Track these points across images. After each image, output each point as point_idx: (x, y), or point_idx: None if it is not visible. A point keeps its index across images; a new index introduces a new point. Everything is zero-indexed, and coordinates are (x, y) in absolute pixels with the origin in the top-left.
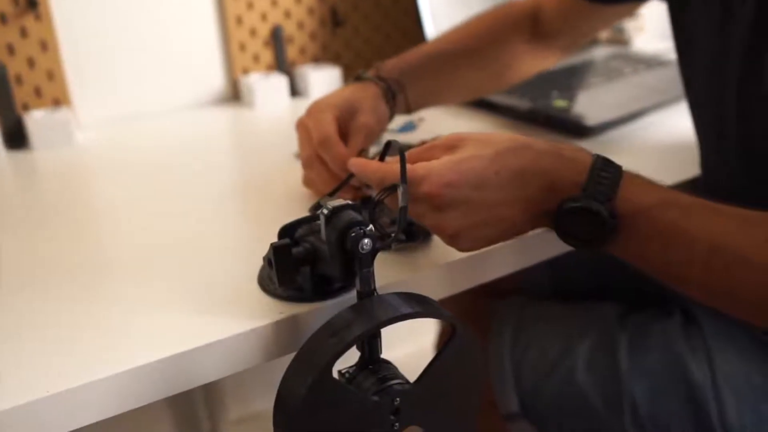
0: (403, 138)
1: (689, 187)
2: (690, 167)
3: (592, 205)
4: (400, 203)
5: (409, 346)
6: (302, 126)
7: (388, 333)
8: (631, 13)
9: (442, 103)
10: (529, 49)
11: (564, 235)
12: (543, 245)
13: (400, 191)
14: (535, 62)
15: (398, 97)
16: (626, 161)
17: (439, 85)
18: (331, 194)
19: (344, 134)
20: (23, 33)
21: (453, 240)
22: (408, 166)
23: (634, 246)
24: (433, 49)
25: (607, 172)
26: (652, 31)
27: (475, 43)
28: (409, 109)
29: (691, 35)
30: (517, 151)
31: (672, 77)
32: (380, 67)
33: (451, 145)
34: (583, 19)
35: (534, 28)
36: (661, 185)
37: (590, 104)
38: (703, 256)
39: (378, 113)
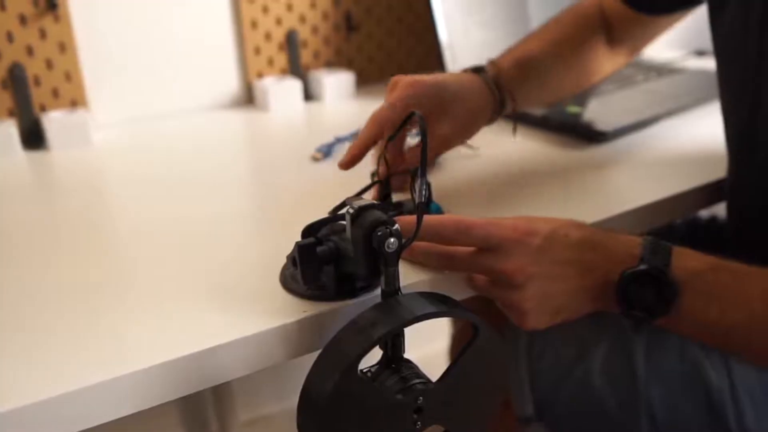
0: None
1: (709, 191)
2: (702, 174)
3: (654, 269)
4: (417, 199)
5: (426, 346)
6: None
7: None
8: (680, 20)
9: (536, 106)
10: (606, 50)
11: (627, 306)
12: None
13: (417, 185)
14: (610, 63)
15: (507, 105)
16: (638, 167)
17: (540, 88)
18: (358, 195)
19: (430, 116)
20: (42, 34)
21: (520, 294)
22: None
23: (694, 312)
24: (538, 49)
25: (658, 245)
26: (663, 39)
27: (567, 46)
28: (511, 113)
29: (728, 36)
30: (578, 225)
31: (683, 85)
32: (499, 68)
33: (512, 217)
34: (638, 25)
35: (604, 30)
36: (708, 255)
37: (603, 111)
38: (762, 313)
39: (467, 128)
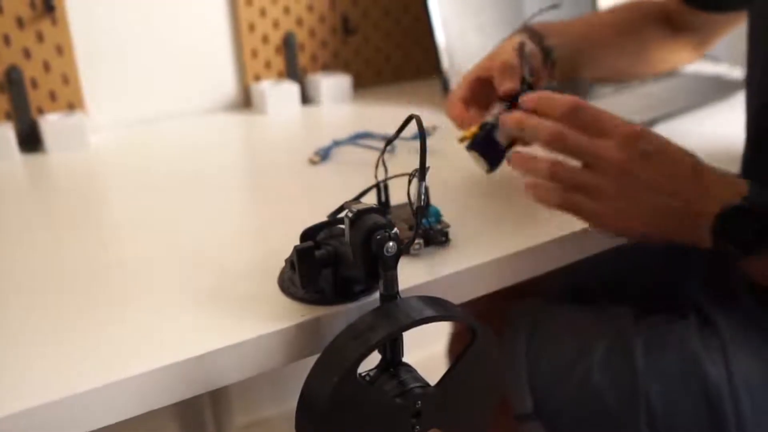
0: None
1: None
2: None
3: (758, 206)
4: (416, 203)
5: (423, 349)
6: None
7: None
8: (740, 20)
9: (589, 74)
10: (668, 40)
11: (722, 239)
12: (560, 251)
13: (413, 188)
14: (672, 55)
15: (549, 36)
16: None
17: (591, 56)
18: (356, 198)
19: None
20: (39, 37)
21: (605, 181)
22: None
23: None
24: (586, 21)
25: (765, 189)
26: None
27: (630, 27)
28: (563, 73)
29: (755, 30)
30: (689, 151)
31: (680, 88)
32: (543, 34)
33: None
34: (697, 20)
35: (668, 23)
36: None
37: None
38: None
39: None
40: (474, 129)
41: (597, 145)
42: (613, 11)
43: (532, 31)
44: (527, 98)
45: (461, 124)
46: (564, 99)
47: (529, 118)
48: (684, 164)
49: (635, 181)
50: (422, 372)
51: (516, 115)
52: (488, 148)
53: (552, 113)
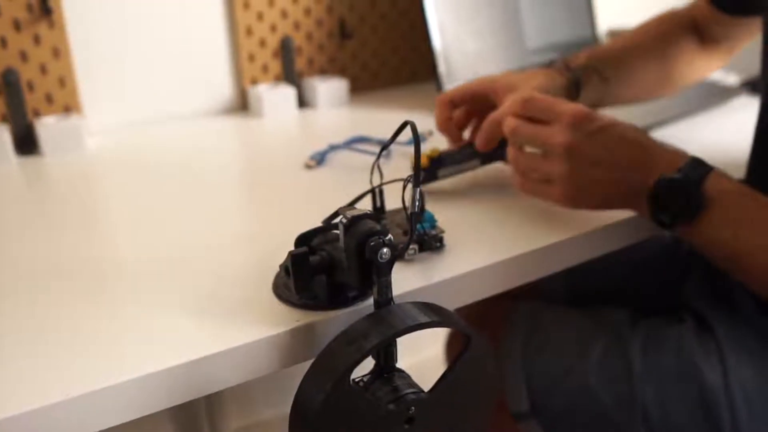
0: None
1: None
2: None
3: (687, 179)
4: (410, 209)
5: (418, 355)
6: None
7: (398, 342)
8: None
9: (620, 101)
10: (697, 49)
11: (656, 209)
12: (556, 256)
13: (408, 193)
14: (703, 64)
15: (587, 84)
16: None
17: (620, 78)
18: (351, 204)
19: (498, 97)
20: (36, 40)
21: (559, 165)
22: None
23: (711, 227)
24: (618, 45)
25: (700, 163)
26: None
27: (655, 41)
28: (600, 104)
29: None
30: (634, 127)
31: (677, 94)
32: (566, 59)
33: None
34: (725, 25)
35: (697, 33)
36: (743, 184)
37: None
38: None
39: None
40: (428, 155)
41: (545, 131)
42: (644, 29)
43: (560, 63)
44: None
45: (441, 126)
46: (516, 95)
47: (490, 117)
48: (628, 139)
49: (582, 159)
50: (419, 376)
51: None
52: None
53: (509, 110)
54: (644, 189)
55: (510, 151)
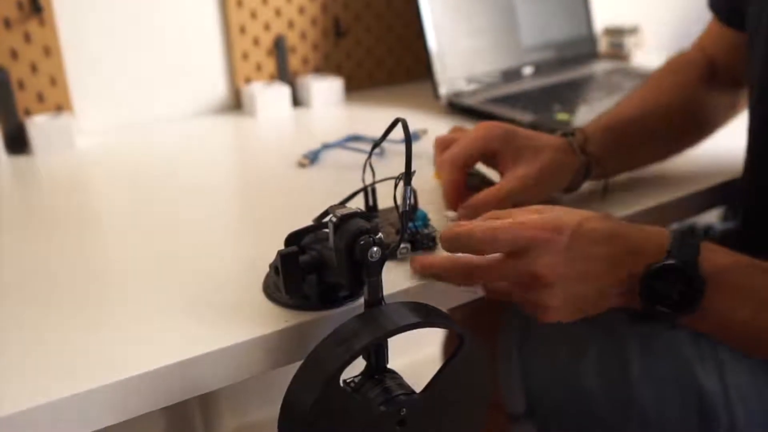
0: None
1: (697, 199)
2: (690, 182)
3: (681, 263)
4: (402, 207)
5: (413, 355)
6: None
7: (392, 340)
8: None
9: (638, 167)
10: (717, 96)
11: (651, 300)
12: None
13: (400, 191)
14: (729, 107)
15: (594, 171)
16: (625, 176)
17: (636, 150)
18: (343, 203)
19: (501, 165)
20: (27, 38)
21: (548, 294)
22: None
23: (722, 310)
24: (629, 114)
25: (686, 238)
26: (650, 46)
27: (668, 101)
28: (605, 182)
29: (754, 30)
30: (603, 217)
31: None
32: (586, 135)
33: (538, 209)
34: (743, 52)
35: (714, 75)
36: (738, 253)
37: (591, 118)
38: None
39: (547, 175)
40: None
41: (518, 265)
42: (656, 80)
43: (575, 140)
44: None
45: (452, 193)
46: (476, 233)
47: (438, 264)
48: (601, 236)
49: (566, 284)
50: (413, 377)
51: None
52: None
53: (469, 250)
54: (634, 282)
55: (497, 284)
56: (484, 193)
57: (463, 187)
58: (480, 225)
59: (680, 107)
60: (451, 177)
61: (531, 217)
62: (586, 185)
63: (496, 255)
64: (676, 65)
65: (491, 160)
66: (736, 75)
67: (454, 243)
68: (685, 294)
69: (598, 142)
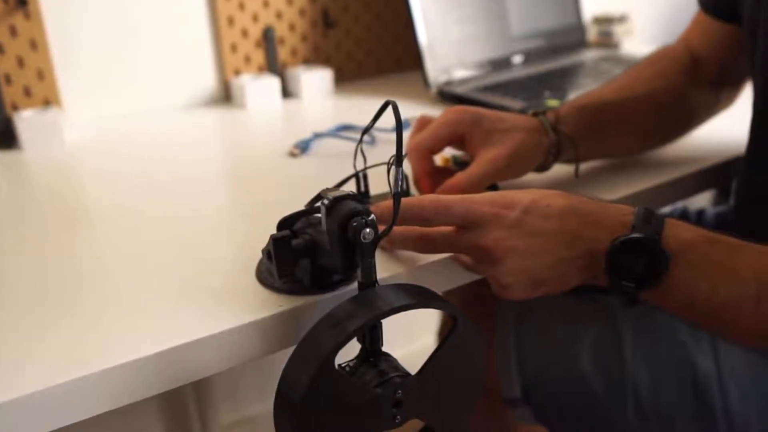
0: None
1: (689, 183)
2: (680, 167)
3: (645, 237)
4: (393, 189)
5: (411, 343)
6: (429, 121)
7: (389, 329)
8: None
9: (613, 155)
10: (701, 92)
11: (616, 275)
12: None
13: (392, 175)
14: (709, 105)
15: (564, 153)
16: (616, 162)
17: (609, 134)
18: (336, 187)
19: (470, 148)
20: (12, 32)
21: (499, 269)
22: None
23: (684, 285)
24: (607, 98)
25: (651, 214)
26: (640, 34)
27: (648, 91)
28: (576, 161)
29: (755, 24)
30: (563, 195)
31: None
32: (559, 115)
33: (499, 192)
34: (725, 47)
35: (697, 70)
36: (702, 228)
37: None
38: (753, 293)
39: (517, 157)
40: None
41: (466, 238)
42: (635, 76)
43: (547, 121)
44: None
45: (423, 181)
46: (425, 205)
47: (395, 235)
48: (557, 211)
49: (518, 256)
50: (410, 365)
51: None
52: None
53: (421, 220)
54: (598, 258)
55: (460, 258)
56: (455, 178)
57: (431, 173)
58: (431, 197)
59: (659, 98)
60: (418, 163)
61: (484, 194)
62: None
63: (450, 228)
64: (658, 58)
65: (461, 145)
66: (721, 71)
67: (407, 213)
68: (649, 268)
69: (571, 122)
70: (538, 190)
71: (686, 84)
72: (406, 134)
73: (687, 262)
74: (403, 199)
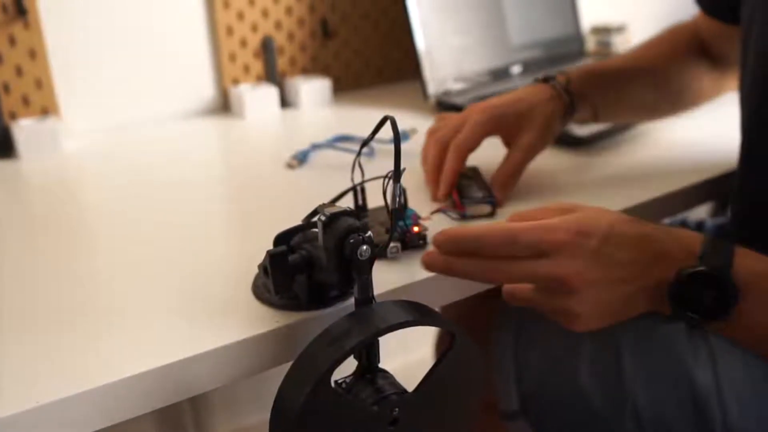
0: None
1: (686, 195)
2: (679, 178)
3: (714, 268)
4: (391, 205)
5: (407, 354)
6: (450, 119)
7: (384, 341)
8: None
9: (621, 120)
10: (707, 70)
11: (682, 308)
12: None
13: (389, 190)
14: (714, 84)
15: (581, 110)
16: (616, 173)
17: (621, 100)
18: (333, 202)
19: (505, 138)
20: (11, 41)
21: (573, 300)
22: (529, 222)
23: (756, 318)
24: (616, 64)
25: (719, 243)
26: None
27: (657, 62)
28: (595, 120)
29: (749, 25)
30: (632, 220)
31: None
32: (569, 77)
33: (566, 208)
34: (731, 40)
35: (705, 50)
36: None
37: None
38: None
39: (547, 132)
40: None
41: (542, 268)
42: (645, 47)
43: (559, 85)
44: (440, 239)
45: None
46: (496, 234)
47: (454, 263)
48: (631, 238)
49: (597, 287)
50: (407, 378)
51: (438, 259)
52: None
53: (479, 251)
54: (663, 287)
55: (520, 289)
56: (501, 169)
57: (456, 175)
58: (500, 225)
59: (665, 69)
60: (454, 164)
61: (555, 220)
62: None
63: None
64: (669, 33)
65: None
66: (721, 57)
67: (471, 241)
68: (717, 300)
69: (582, 82)
70: (603, 212)
71: (693, 61)
72: (404, 147)
73: (759, 292)
74: (469, 228)
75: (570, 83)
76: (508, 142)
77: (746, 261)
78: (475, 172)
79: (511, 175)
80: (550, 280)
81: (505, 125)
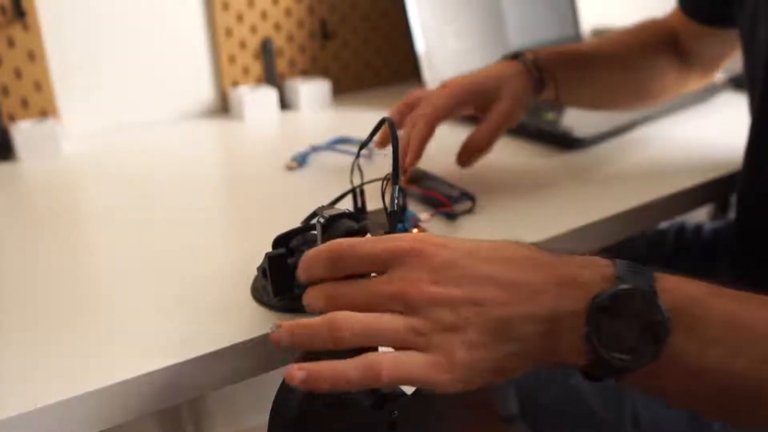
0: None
1: (687, 198)
2: (679, 180)
3: (639, 288)
4: (390, 207)
5: None
6: (419, 91)
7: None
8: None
9: (586, 105)
10: (674, 66)
11: (601, 344)
12: None
13: (388, 192)
14: (679, 81)
15: (547, 88)
16: (615, 175)
17: (583, 82)
18: (332, 204)
19: (478, 108)
20: (10, 43)
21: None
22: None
23: (691, 350)
24: (585, 48)
25: (636, 265)
26: None
27: (625, 50)
28: (557, 101)
29: (753, 29)
30: (519, 245)
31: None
32: (537, 54)
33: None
34: (705, 39)
35: (675, 46)
36: (697, 280)
37: (580, 117)
38: None
39: (519, 103)
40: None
41: (380, 284)
42: (620, 36)
43: (529, 61)
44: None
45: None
46: (322, 250)
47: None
48: (511, 260)
49: (448, 306)
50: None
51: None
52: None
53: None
54: (571, 324)
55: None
56: (478, 132)
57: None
58: (328, 244)
59: (632, 59)
60: (425, 132)
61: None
62: None
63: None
64: (642, 27)
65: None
66: (690, 54)
67: (303, 269)
68: (644, 335)
69: (549, 60)
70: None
71: (663, 56)
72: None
73: (691, 319)
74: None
75: (538, 60)
76: (481, 112)
77: (673, 282)
78: (426, 174)
79: (487, 139)
80: (385, 299)
81: (480, 94)
